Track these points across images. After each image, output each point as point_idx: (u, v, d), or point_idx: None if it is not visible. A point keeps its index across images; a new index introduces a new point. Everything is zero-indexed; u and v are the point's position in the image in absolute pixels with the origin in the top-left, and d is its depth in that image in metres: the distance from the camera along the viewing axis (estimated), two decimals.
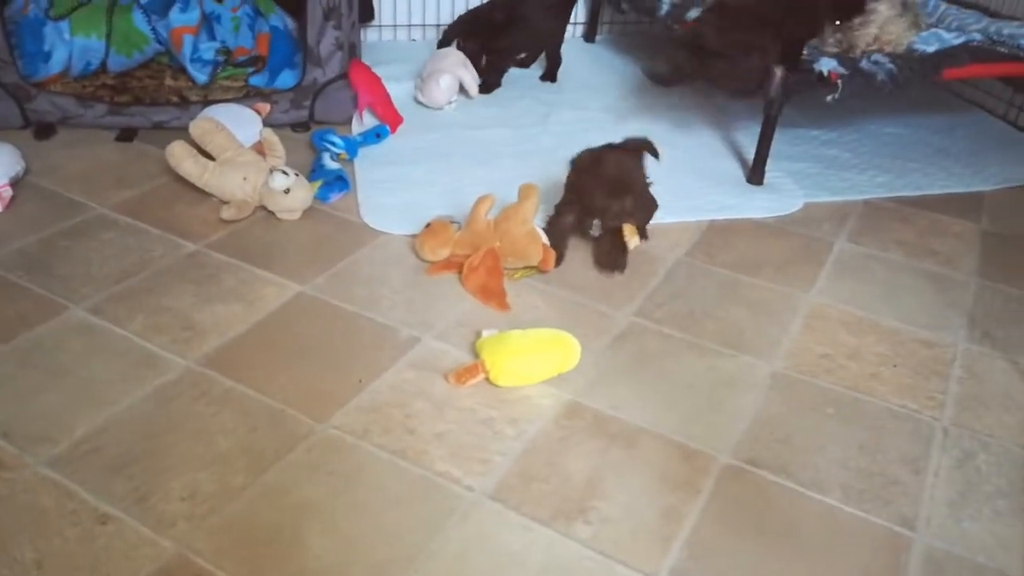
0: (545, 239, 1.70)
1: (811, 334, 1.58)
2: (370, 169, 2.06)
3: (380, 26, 2.86)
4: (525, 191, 1.68)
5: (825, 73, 1.94)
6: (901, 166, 2.21)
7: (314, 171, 1.99)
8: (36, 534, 1.11)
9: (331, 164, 2.02)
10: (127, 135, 2.14)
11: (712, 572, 1.12)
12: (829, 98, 1.95)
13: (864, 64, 1.99)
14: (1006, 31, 2.17)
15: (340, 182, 1.95)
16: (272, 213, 1.84)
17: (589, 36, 3.01)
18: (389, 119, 2.25)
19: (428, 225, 1.70)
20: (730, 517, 1.20)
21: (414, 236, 1.74)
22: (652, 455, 1.29)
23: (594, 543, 1.15)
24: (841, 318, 1.63)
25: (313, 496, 1.19)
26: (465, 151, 2.17)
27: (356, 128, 2.23)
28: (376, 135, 2.18)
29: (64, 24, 2.21)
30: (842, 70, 1.95)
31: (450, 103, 2.40)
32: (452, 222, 1.70)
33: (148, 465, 1.22)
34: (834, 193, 2.07)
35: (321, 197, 1.90)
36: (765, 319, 1.62)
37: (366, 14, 2.72)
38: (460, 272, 1.67)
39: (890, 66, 2.00)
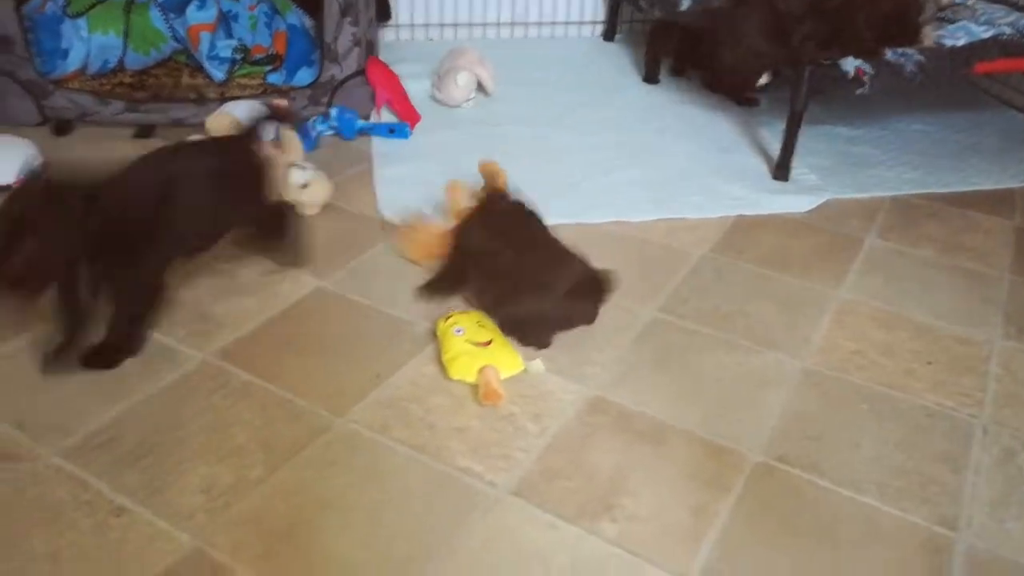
0: None
1: (841, 330, 1.54)
2: (388, 165, 2.03)
3: (397, 26, 2.84)
4: (491, 170, 1.62)
5: (851, 71, 1.90)
6: (930, 163, 2.16)
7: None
8: (49, 526, 1.08)
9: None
10: (145, 132, 2.13)
11: (745, 573, 1.08)
12: (859, 91, 1.91)
13: (891, 56, 1.95)
14: None
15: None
16: None
17: (608, 35, 2.98)
18: (407, 116, 2.23)
19: (408, 226, 1.66)
20: (762, 516, 1.16)
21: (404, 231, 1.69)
22: (679, 452, 1.25)
23: (621, 541, 1.11)
24: (872, 314, 1.59)
25: (331, 491, 1.15)
26: (483, 148, 2.13)
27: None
28: (390, 130, 2.17)
29: (82, 21, 2.20)
30: (868, 68, 1.91)
31: (468, 100, 2.37)
32: (427, 216, 1.66)
33: (163, 457, 1.19)
34: (861, 189, 2.02)
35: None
36: (794, 315, 1.57)
37: (383, 14, 2.70)
38: None
39: (919, 58, 1.95)
